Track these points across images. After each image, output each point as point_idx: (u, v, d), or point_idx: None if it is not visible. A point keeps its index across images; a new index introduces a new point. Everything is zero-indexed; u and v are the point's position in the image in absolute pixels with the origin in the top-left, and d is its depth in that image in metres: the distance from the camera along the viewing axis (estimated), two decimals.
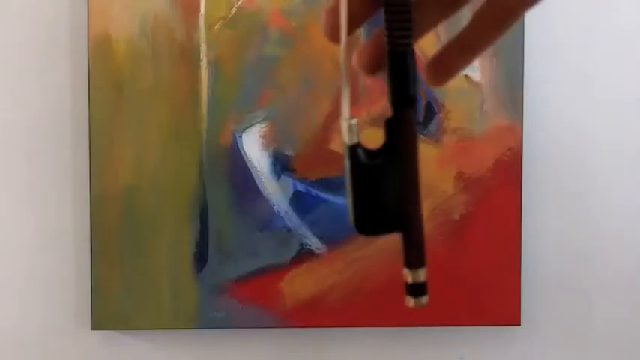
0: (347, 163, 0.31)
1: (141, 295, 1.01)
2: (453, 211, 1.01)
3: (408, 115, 0.31)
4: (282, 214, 1.01)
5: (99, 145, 0.99)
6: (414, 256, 0.33)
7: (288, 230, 1.01)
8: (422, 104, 1.00)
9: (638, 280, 1.07)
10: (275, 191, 1.01)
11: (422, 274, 0.33)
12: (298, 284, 1.01)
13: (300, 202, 1.01)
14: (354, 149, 0.31)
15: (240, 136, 1.00)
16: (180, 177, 1.00)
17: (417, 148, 0.32)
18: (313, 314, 1.02)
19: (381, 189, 0.31)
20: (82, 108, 1.01)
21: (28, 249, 1.04)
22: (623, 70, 1.06)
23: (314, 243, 1.01)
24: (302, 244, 1.01)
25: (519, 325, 1.02)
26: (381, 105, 0.99)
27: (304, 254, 1.01)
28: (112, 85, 0.99)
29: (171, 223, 1.01)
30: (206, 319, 1.01)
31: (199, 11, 0.99)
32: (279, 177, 1.01)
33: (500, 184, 1.01)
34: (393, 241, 0.33)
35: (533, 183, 1.04)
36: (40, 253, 1.04)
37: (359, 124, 0.31)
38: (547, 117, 1.04)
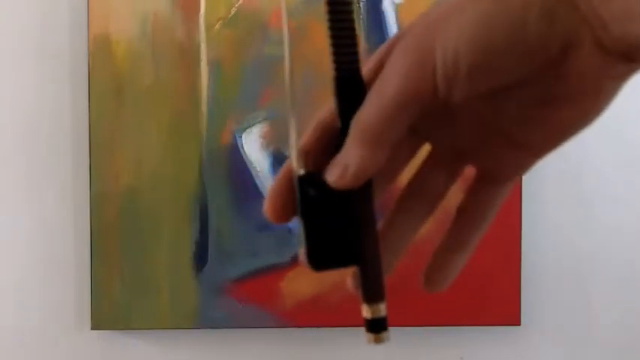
0: (297, 195, 0.29)
1: (141, 295, 1.01)
2: (452, 209, 1.01)
3: None
4: None
5: (99, 145, 0.99)
6: (371, 290, 0.31)
7: (289, 230, 1.01)
8: None
9: (638, 280, 1.07)
10: None
11: (382, 309, 0.31)
12: (298, 284, 1.01)
13: None
14: (302, 180, 0.29)
15: (240, 136, 1.00)
16: (180, 177, 1.00)
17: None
18: (313, 314, 1.02)
19: (334, 221, 0.30)
20: (82, 108, 1.01)
21: (28, 249, 1.04)
22: None
23: None
24: None
25: (519, 325, 1.02)
26: None
27: None
28: (112, 85, 0.99)
29: (171, 223, 1.00)
30: (206, 319, 1.01)
31: (199, 11, 0.99)
32: None
33: None
34: None
35: (533, 183, 1.04)
36: (39, 253, 1.04)
37: (306, 153, 0.30)
38: None
